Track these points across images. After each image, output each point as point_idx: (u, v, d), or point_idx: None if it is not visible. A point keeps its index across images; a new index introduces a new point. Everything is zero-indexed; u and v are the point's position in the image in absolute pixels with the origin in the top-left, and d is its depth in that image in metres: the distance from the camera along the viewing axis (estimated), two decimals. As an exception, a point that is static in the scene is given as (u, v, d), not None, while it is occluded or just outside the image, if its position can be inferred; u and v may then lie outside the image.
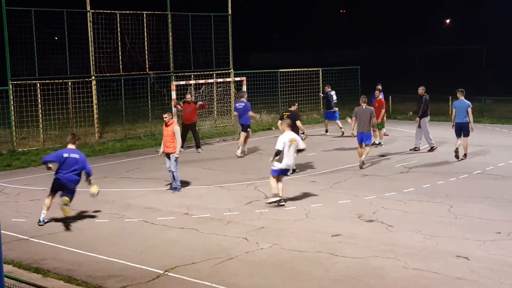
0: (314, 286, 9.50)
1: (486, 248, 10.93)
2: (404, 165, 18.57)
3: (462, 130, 19.22)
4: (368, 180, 16.77)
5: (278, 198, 14.22)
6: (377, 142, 22.08)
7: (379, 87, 22.87)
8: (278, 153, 14.24)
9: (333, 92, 25.65)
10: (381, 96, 22.61)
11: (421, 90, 21.08)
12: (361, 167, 18.24)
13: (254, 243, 11.55)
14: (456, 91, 19.78)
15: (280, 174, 14.48)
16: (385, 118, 22.96)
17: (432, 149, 20.89)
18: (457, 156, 19.15)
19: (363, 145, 18.55)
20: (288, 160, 14.38)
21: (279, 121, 16.75)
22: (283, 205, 14.17)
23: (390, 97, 31.50)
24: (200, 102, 22.54)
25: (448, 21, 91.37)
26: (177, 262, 10.59)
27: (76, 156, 13.19)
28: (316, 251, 10.98)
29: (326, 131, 25.99)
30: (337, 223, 12.66)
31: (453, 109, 19.61)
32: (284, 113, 17.68)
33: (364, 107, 18.74)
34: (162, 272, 10.18)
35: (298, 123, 17.41)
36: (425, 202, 14.18)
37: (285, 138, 14.36)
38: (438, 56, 69.10)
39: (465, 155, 19.34)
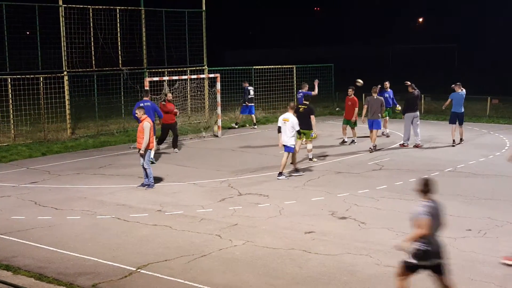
0: (287, 283, 9.52)
1: (457, 245, 11.04)
2: (376, 163, 18.70)
3: (457, 118, 21.45)
4: (341, 178, 16.86)
5: (282, 176, 16.65)
6: (346, 140, 22.26)
7: (358, 86, 23.10)
8: (278, 131, 16.72)
9: (251, 88, 26.24)
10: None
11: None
12: (371, 151, 20.39)
13: (227, 240, 11.54)
14: (454, 85, 21.59)
15: (286, 150, 16.73)
16: (357, 116, 22.40)
17: (402, 144, 21.39)
18: (454, 143, 21.43)
19: (373, 130, 20.63)
20: (282, 137, 16.64)
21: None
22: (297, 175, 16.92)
23: (363, 95, 31.71)
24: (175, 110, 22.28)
25: (421, 19, 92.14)
26: (149, 259, 10.53)
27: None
28: (289, 248, 11.01)
29: (236, 123, 27.04)
30: (310, 220, 12.70)
31: (449, 99, 21.64)
32: (299, 106, 18.93)
33: (375, 97, 20.68)
34: (134, 269, 10.12)
35: (313, 117, 18.63)
36: (397, 199, 14.30)
37: (281, 117, 16.83)
38: (411, 55, 69.63)
39: (461, 139, 21.69)
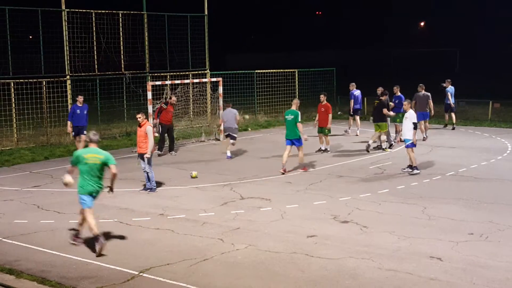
0: (289, 287, 9.52)
1: (459, 249, 11.05)
2: (378, 167, 18.70)
3: (450, 107, 26.21)
4: (343, 181, 16.86)
5: (416, 171, 17.56)
6: (323, 148, 21.41)
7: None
8: (416, 127, 17.53)
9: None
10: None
11: (379, 90, 22.04)
12: (424, 140, 23.09)
13: (230, 244, 11.55)
14: (446, 80, 26.03)
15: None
16: (330, 124, 21.39)
17: (391, 146, 21.74)
18: (450, 127, 26.42)
19: (423, 122, 23.21)
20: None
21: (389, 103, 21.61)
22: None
23: (365, 98, 31.72)
24: (174, 98, 22.39)
25: (422, 24, 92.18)
26: (152, 263, 10.55)
27: None
28: (291, 252, 11.02)
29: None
30: (313, 224, 12.71)
31: (449, 93, 25.82)
32: (375, 101, 21.36)
33: (422, 93, 23.43)
34: (136, 273, 10.14)
35: (385, 110, 20.89)
36: (399, 203, 14.30)
37: (413, 115, 17.75)
38: (412, 59, 69.65)
39: (454, 127, 26.39)
